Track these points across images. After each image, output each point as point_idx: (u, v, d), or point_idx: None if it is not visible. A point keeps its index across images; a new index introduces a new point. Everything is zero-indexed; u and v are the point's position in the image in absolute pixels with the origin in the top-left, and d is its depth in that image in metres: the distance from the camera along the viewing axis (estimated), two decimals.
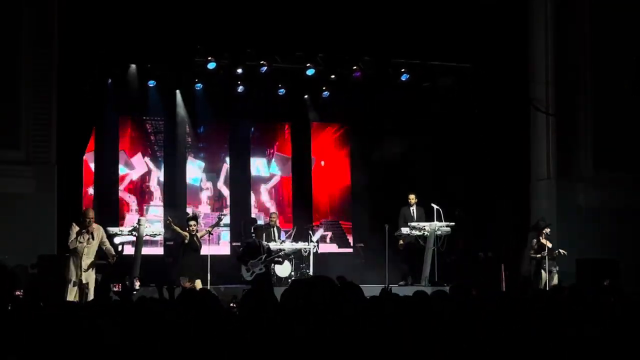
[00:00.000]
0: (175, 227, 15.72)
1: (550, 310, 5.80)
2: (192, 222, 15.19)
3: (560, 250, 15.86)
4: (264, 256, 15.50)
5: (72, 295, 13.21)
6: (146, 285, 14.85)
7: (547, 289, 13.85)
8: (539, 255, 15.81)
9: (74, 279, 13.37)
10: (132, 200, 18.86)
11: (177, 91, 18.40)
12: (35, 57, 15.31)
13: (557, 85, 17.57)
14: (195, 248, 14.98)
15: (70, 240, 13.47)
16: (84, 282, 13.32)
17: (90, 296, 13.13)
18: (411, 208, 17.50)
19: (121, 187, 18.64)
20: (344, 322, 4.34)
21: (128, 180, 18.85)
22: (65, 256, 13.87)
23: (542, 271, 15.80)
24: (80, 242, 13.42)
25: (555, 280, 15.55)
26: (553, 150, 17.58)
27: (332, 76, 17.94)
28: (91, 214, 13.75)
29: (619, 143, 17.31)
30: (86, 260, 13.43)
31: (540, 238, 15.94)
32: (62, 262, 13.74)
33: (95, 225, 13.72)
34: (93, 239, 13.53)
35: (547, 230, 15.94)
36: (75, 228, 13.60)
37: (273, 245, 16.86)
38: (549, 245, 15.86)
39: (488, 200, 17.65)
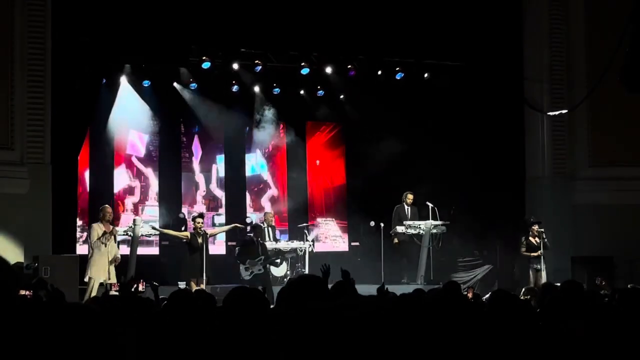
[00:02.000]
0: (167, 231, 15.82)
1: (541, 308, 5.81)
2: (199, 220, 15.20)
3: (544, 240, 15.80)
4: (262, 257, 15.44)
5: (95, 293, 13.39)
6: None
7: (535, 287, 13.79)
8: (534, 254, 15.78)
9: (101, 278, 13.71)
10: (127, 201, 18.83)
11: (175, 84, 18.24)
12: (29, 57, 15.28)
13: (551, 83, 17.59)
14: (198, 247, 14.97)
15: (93, 241, 13.82)
16: (109, 280, 13.77)
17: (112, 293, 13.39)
18: (407, 207, 17.50)
19: (116, 188, 18.62)
20: (337, 322, 4.33)
21: (124, 180, 18.83)
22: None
23: (530, 270, 15.78)
24: (103, 243, 13.88)
25: (544, 279, 15.51)
26: (548, 148, 17.60)
27: (328, 71, 17.92)
28: (110, 210, 14.34)
29: (614, 140, 17.34)
30: (109, 259, 13.88)
31: (529, 237, 15.93)
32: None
33: (113, 227, 14.30)
34: (112, 234, 14.06)
35: (535, 227, 15.88)
36: (98, 229, 13.93)
37: (268, 245, 16.85)
38: (536, 242, 15.83)
39: (483, 199, 17.66)
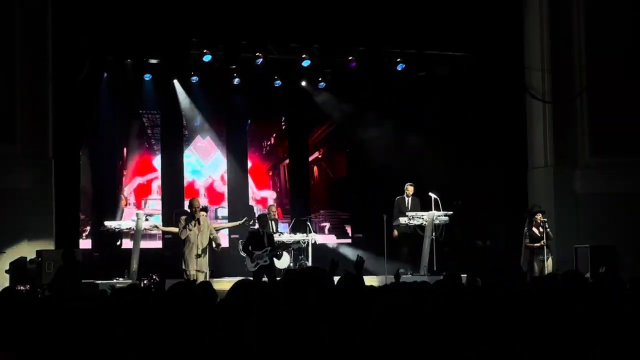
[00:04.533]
0: (170, 228, 15.84)
1: (546, 297, 5.80)
2: (202, 214, 15.22)
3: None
4: (268, 248, 15.39)
5: None
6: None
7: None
8: (536, 245, 15.75)
9: (192, 268, 14.01)
10: (130, 194, 18.86)
11: (175, 81, 18.32)
12: (30, 51, 15.27)
13: (553, 72, 17.55)
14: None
15: (180, 231, 14.20)
16: (197, 269, 14.04)
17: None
18: (407, 198, 17.48)
19: (119, 181, 18.65)
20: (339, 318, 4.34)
21: (126, 174, 18.85)
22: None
23: (534, 260, 15.73)
24: (190, 230, 14.11)
25: (549, 269, 15.47)
26: (550, 137, 17.56)
27: (329, 63, 17.92)
28: (197, 203, 14.55)
29: (616, 129, 17.31)
30: (200, 249, 14.10)
31: (532, 227, 15.89)
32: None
33: (202, 216, 14.34)
34: (199, 223, 14.14)
35: (539, 216, 15.82)
36: (182, 219, 14.32)
37: None
38: (539, 233, 15.80)
39: (485, 189, 17.65)
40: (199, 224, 14.18)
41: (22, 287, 10.48)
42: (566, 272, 6.67)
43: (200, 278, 13.97)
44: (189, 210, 14.60)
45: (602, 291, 6.55)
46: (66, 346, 4.78)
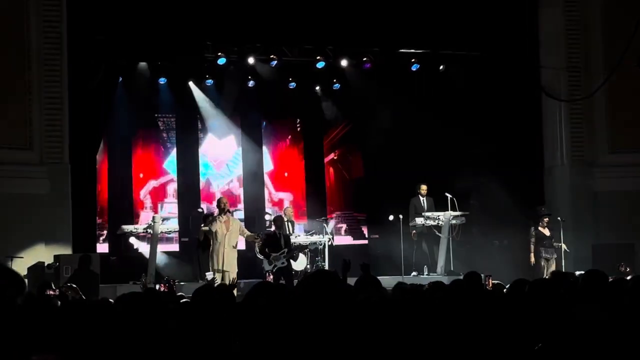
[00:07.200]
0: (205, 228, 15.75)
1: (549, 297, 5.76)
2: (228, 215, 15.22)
3: (561, 245, 15.86)
4: (285, 250, 15.30)
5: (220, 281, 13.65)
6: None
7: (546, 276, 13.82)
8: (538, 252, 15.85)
9: (217, 267, 13.96)
10: (145, 197, 18.90)
11: (190, 82, 18.28)
12: (45, 56, 15.33)
13: (568, 70, 17.49)
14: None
15: (211, 225, 14.16)
16: (225, 270, 13.90)
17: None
18: (422, 198, 17.43)
19: (135, 186, 18.68)
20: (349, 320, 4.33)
21: (141, 177, 18.90)
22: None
23: (541, 260, 15.79)
24: (220, 222, 14.06)
25: (553, 268, 15.54)
26: (566, 136, 17.51)
27: (343, 64, 17.90)
28: (225, 199, 14.64)
29: (632, 127, 17.23)
30: (228, 249, 14.00)
31: (539, 227, 15.94)
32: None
33: (231, 217, 14.37)
34: (232, 216, 14.21)
35: (546, 219, 15.93)
36: (213, 219, 14.36)
37: None
38: (547, 233, 15.86)
39: (502, 188, 17.58)
40: (232, 216, 14.24)
41: (51, 292, 10.52)
42: (588, 271, 6.62)
43: (226, 278, 13.93)
44: (217, 208, 14.53)
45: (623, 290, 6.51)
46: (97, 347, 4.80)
